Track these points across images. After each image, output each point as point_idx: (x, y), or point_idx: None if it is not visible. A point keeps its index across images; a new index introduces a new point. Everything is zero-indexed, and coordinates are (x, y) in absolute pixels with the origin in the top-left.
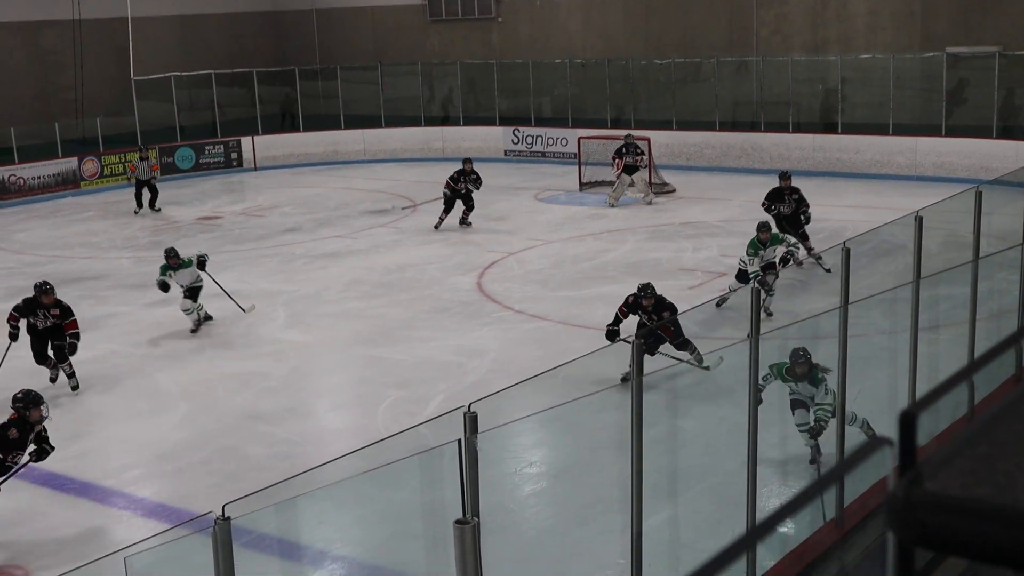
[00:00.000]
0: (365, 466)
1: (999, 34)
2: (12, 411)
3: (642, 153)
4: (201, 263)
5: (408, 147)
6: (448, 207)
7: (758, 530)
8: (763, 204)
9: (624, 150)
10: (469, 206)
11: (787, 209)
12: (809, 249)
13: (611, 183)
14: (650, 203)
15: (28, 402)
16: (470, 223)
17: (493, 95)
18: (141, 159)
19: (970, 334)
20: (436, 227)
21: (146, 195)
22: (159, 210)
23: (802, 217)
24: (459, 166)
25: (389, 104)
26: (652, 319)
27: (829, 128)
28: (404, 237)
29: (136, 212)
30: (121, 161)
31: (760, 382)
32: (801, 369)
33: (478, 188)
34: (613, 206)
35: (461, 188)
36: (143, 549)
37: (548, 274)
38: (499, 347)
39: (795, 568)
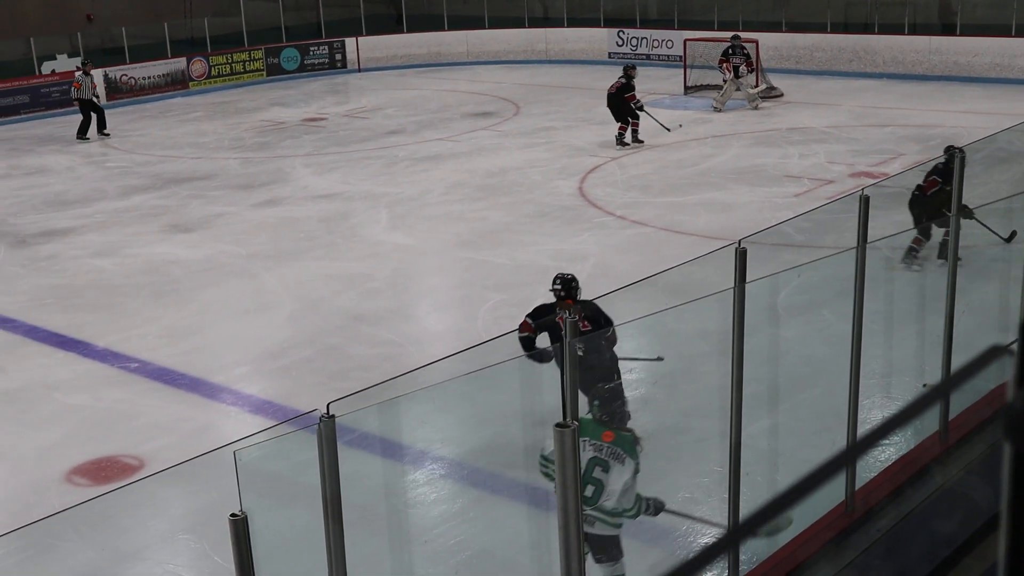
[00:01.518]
0: (466, 368)
1: None
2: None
3: (749, 55)
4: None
5: (511, 49)
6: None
7: (858, 446)
8: (927, 183)
9: (731, 51)
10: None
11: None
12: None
13: (717, 87)
14: (756, 108)
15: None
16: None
17: None
18: (85, 74)
19: None
20: (631, 142)
21: (93, 120)
22: (108, 134)
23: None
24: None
25: (493, 5)
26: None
27: (947, 29)
28: (506, 140)
29: (79, 138)
30: (228, 62)
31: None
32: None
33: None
34: (719, 110)
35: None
36: (251, 444)
37: (650, 179)
38: (599, 252)
39: (898, 479)
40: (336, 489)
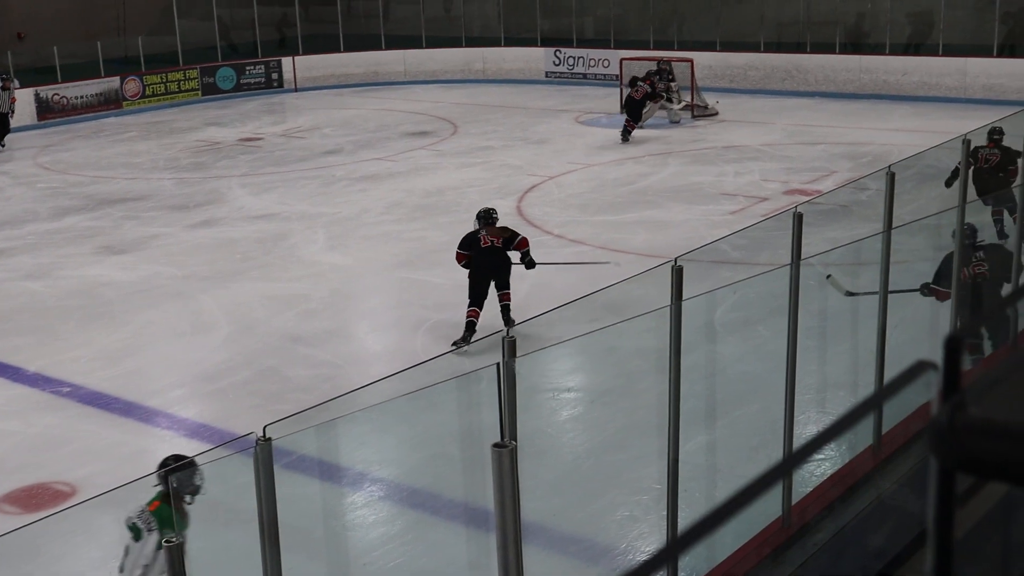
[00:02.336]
0: (404, 389)
1: None
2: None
3: (673, 79)
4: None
5: (449, 68)
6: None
7: (794, 457)
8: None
9: (657, 76)
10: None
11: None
12: None
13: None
14: (678, 122)
15: (486, 219)
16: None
17: (535, 15)
18: (3, 89)
19: (1016, 260)
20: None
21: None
22: (3, 147)
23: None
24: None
25: (430, 24)
26: None
27: (876, 49)
28: (443, 160)
29: None
30: (163, 81)
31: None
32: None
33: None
34: (642, 127)
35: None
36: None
37: (588, 198)
38: (537, 271)
39: (833, 494)
40: (273, 513)
